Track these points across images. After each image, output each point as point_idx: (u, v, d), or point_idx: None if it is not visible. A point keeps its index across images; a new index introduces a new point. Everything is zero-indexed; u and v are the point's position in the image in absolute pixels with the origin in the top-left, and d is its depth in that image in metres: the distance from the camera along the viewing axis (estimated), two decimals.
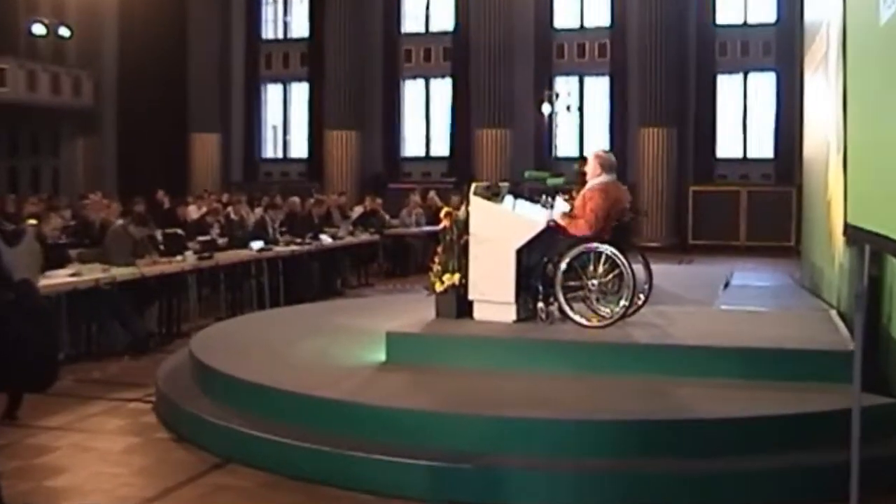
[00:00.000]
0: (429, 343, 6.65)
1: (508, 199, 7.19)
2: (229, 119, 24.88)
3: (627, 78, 22.34)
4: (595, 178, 6.97)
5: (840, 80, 5.35)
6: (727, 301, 9.14)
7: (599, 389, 5.86)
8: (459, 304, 7.04)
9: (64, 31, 22.36)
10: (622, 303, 6.63)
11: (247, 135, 25.11)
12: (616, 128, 22.52)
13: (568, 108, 22.59)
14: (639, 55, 21.70)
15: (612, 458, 5.08)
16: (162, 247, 10.39)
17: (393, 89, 24.23)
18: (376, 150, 24.06)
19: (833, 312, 7.72)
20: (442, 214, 7.41)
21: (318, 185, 21.89)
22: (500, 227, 6.91)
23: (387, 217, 16.43)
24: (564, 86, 22.97)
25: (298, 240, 12.58)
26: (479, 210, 7.00)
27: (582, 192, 7.00)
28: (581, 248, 6.74)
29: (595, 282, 6.74)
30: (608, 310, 6.77)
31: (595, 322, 6.72)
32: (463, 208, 7.25)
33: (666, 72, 21.26)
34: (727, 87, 22.47)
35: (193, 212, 14.37)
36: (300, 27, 25.06)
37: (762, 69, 22.19)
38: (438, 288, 7.09)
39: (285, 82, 25.27)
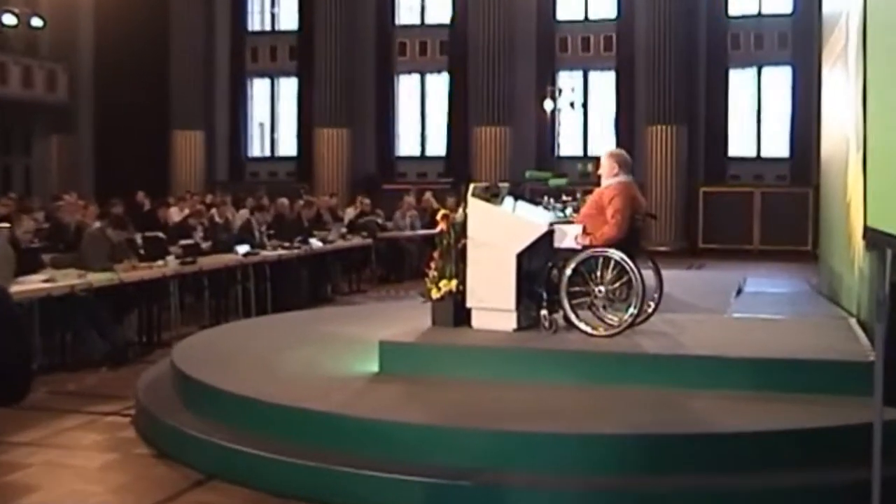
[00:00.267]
0: (424, 353, 6.64)
1: (508, 200, 7.19)
2: (213, 116, 24.88)
3: (634, 73, 22.38)
4: (612, 177, 6.96)
5: (860, 74, 5.36)
6: (740, 309, 9.14)
7: (605, 401, 5.86)
8: (457, 311, 7.03)
9: (37, 22, 22.34)
10: (630, 311, 6.62)
11: (232, 132, 25.12)
12: (622, 125, 22.56)
13: (571, 104, 22.60)
14: (646, 49, 21.74)
15: (619, 475, 5.08)
16: (142, 251, 10.38)
17: (387, 85, 24.25)
18: (369, 149, 24.08)
19: (852, 320, 7.72)
20: (438, 217, 7.41)
21: (308, 185, 21.91)
22: (499, 231, 6.91)
23: (379, 220, 16.43)
24: (568, 81, 22.99)
25: (287, 244, 12.57)
26: (478, 212, 7.00)
27: (598, 192, 6.97)
28: (588, 252, 6.74)
29: (602, 288, 6.74)
30: (616, 318, 6.77)
31: (601, 331, 6.72)
32: (460, 210, 7.26)
33: (675, 66, 21.31)
34: (740, 82, 22.53)
35: (175, 214, 14.37)
36: (289, 19, 25.08)
37: (777, 63, 22.25)
38: (435, 295, 7.09)
39: (273, 77, 25.29)
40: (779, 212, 20.90)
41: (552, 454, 5.18)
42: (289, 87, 25.09)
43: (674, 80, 21.33)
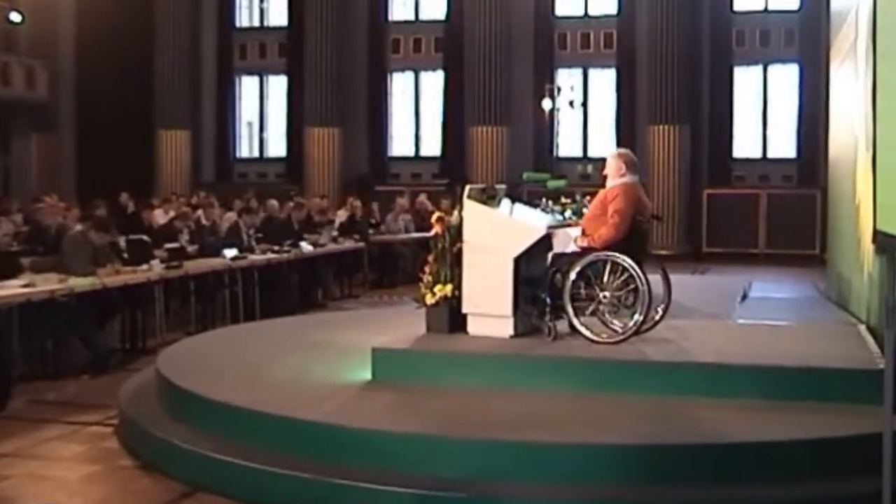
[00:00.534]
0: (418, 360, 6.64)
1: (505, 202, 7.21)
2: (200, 114, 24.90)
3: (635, 71, 22.43)
4: (618, 178, 6.97)
5: (869, 71, 5.38)
6: (745, 314, 9.16)
7: (605, 411, 5.87)
8: (452, 317, 7.04)
9: (15, 17, 22.31)
10: (636, 317, 6.63)
11: (219, 132, 25.13)
12: (623, 125, 22.60)
13: (571, 103, 22.65)
14: (648, 46, 21.79)
15: (619, 487, 5.07)
16: (125, 255, 10.36)
17: (379, 83, 24.28)
18: (361, 150, 24.10)
19: (862, 327, 7.74)
20: (433, 220, 7.42)
21: (298, 187, 21.92)
22: (496, 234, 6.92)
23: (373, 220, 16.44)
24: (567, 79, 23.05)
25: (276, 247, 12.57)
26: (474, 215, 7.00)
27: (602, 193, 6.98)
28: (593, 255, 6.74)
29: (607, 294, 6.74)
30: (620, 324, 6.78)
31: (605, 337, 6.72)
32: (456, 213, 7.26)
33: (678, 64, 21.36)
34: (745, 80, 22.59)
35: (160, 216, 14.35)
36: (278, 14, 25.12)
37: (784, 61, 22.32)
38: (429, 300, 7.09)
39: (262, 74, 25.31)
40: (785, 214, 20.94)
41: (549, 465, 5.18)
42: (278, 85, 25.10)
43: (677, 78, 21.38)
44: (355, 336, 7.72)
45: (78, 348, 8.85)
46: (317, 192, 21.02)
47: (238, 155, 25.46)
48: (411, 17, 24.43)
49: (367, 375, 6.56)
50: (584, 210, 7.59)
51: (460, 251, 7.02)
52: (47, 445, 6.57)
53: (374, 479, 5.12)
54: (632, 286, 6.64)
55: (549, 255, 7.01)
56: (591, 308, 6.81)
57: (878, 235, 4.60)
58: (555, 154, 22.93)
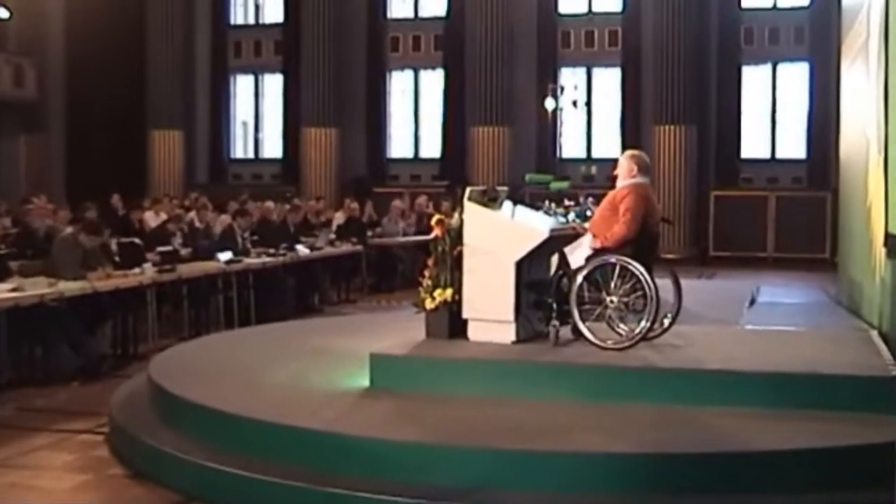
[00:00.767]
0: (418, 366, 6.65)
1: (507, 205, 7.22)
2: (193, 114, 24.89)
3: (641, 69, 22.43)
4: (629, 179, 6.99)
5: (881, 70, 5.40)
6: (753, 320, 9.18)
7: (609, 419, 5.87)
8: (452, 322, 7.05)
9: (2, 13, 22.32)
10: (643, 323, 6.63)
11: (213, 132, 25.13)
12: (628, 125, 22.60)
13: (574, 103, 22.63)
14: (654, 44, 21.79)
15: (625, 496, 5.08)
16: (116, 258, 10.37)
17: (378, 82, 24.28)
18: (359, 150, 24.10)
19: (874, 333, 7.74)
20: (433, 222, 7.43)
21: (294, 188, 21.95)
22: (497, 237, 6.93)
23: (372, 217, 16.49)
24: (570, 78, 23.03)
25: (271, 250, 12.58)
26: (475, 218, 7.02)
27: (611, 194, 7.00)
28: (600, 259, 6.75)
29: (615, 298, 6.75)
30: (627, 329, 6.78)
31: (611, 343, 6.73)
32: (456, 215, 7.27)
33: (684, 62, 21.36)
34: (754, 79, 22.59)
35: (152, 218, 14.36)
36: (274, 11, 25.12)
37: (793, 59, 22.32)
38: (429, 305, 7.10)
39: (257, 73, 25.31)
40: (795, 217, 20.94)
41: (552, 474, 5.18)
42: (274, 84, 25.11)
43: (683, 77, 21.38)
44: (353, 342, 7.73)
45: (68, 354, 8.85)
46: (313, 193, 21.02)
47: (232, 155, 25.45)
48: (410, 14, 24.43)
49: (365, 382, 6.57)
50: (588, 213, 7.61)
51: (461, 255, 7.03)
52: (36, 454, 6.57)
53: (371, 488, 5.12)
54: (640, 292, 6.65)
55: (556, 258, 7.02)
56: (597, 312, 6.82)
57: (890, 239, 4.62)
58: (558, 155, 22.93)
